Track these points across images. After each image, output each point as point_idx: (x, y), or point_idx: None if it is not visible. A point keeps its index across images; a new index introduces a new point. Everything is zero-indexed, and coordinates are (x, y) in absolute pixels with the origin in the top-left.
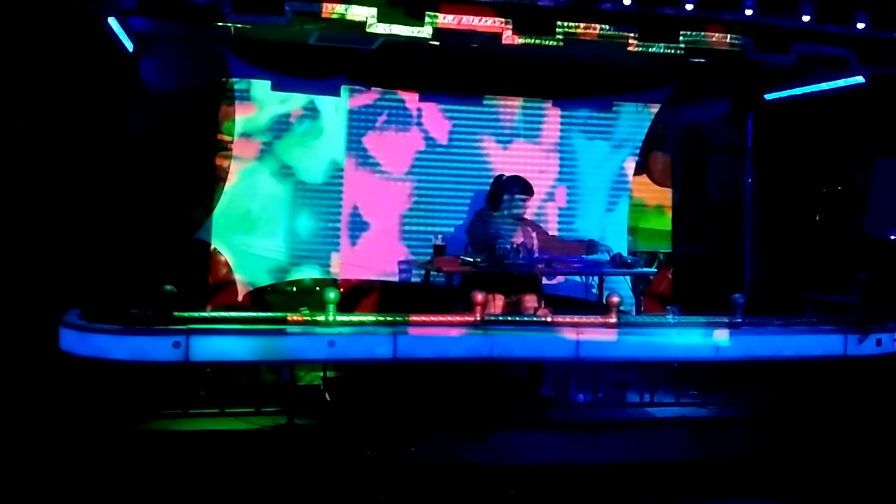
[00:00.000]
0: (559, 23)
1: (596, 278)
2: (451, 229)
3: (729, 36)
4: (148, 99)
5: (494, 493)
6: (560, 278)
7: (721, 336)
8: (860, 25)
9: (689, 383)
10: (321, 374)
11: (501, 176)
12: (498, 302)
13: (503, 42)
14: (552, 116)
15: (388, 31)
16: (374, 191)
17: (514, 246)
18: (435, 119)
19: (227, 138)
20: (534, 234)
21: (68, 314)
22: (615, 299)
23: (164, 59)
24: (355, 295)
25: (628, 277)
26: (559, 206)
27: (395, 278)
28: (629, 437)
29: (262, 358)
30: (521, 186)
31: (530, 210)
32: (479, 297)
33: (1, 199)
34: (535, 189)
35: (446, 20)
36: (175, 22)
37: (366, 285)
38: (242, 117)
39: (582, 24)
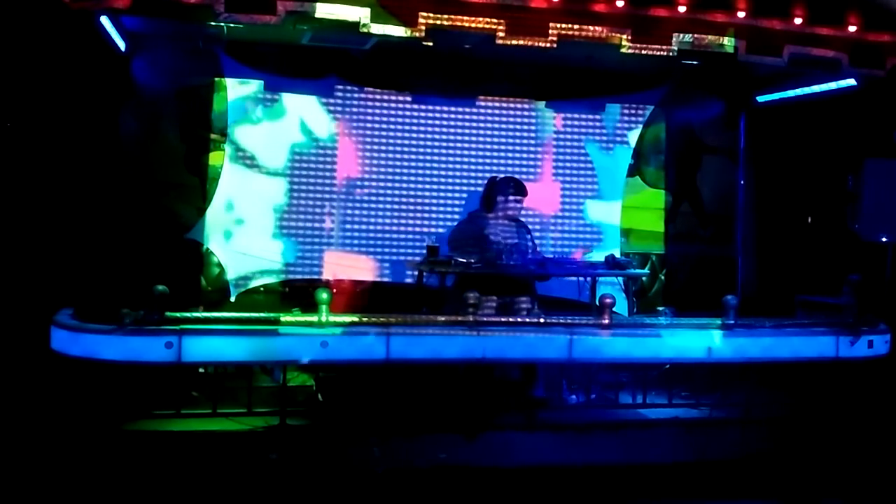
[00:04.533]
0: (552, 24)
1: (589, 279)
2: (444, 230)
3: (721, 38)
4: (140, 98)
5: (487, 495)
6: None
7: (713, 337)
8: (852, 28)
9: (682, 384)
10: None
11: (495, 178)
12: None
13: (496, 43)
14: (545, 118)
15: (381, 32)
16: (367, 191)
17: (508, 247)
18: (428, 120)
19: (219, 138)
20: (528, 236)
21: (60, 314)
22: (608, 300)
23: (156, 58)
24: (348, 295)
25: (621, 279)
26: (552, 208)
27: (388, 279)
28: (621, 438)
29: (254, 358)
30: (515, 187)
31: (524, 212)
32: (472, 297)
33: None
34: (528, 190)
35: (439, 21)
36: (168, 21)
37: (358, 286)
38: (234, 117)
39: (575, 26)
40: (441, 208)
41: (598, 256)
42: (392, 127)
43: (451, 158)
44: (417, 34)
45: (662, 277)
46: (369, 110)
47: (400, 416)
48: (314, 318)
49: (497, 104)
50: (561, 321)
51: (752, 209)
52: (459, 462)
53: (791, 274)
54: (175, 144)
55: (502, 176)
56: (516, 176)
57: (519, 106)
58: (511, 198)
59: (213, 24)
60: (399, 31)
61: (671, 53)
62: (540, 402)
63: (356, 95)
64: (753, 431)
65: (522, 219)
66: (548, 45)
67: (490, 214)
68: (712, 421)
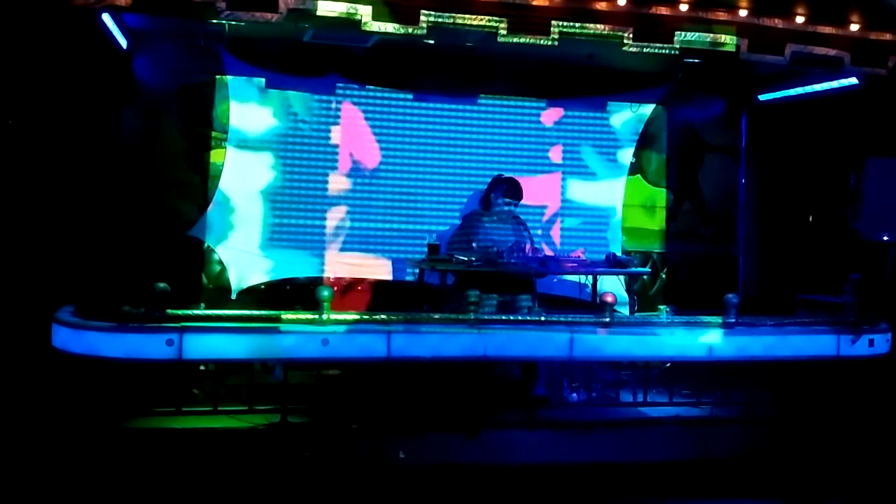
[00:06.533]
0: (554, 22)
1: (590, 277)
2: (446, 227)
3: (723, 36)
4: (141, 96)
5: (488, 493)
6: (554, 277)
7: (714, 336)
8: (854, 27)
9: (683, 383)
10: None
11: (500, 176)
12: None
13: (498, 41)
14: (547, 116)
15: (382, 30)
16: (369, 189)
17: (505, 246)
18: (429, 118)
19: (220, 136)
20: (525, 233)
21: (61, 311)
22: (609, 299)
23: (158, 56)
24: (349, 293)
25: (622, 277)
26: (553, 206)
27: (389, 277)
28: (622, 436)
29: (255, 356)
30: (507, 186)
31: (525, 210)
32: (473, 296)
33: None
34: (528, 188)
35: (441, 19)
36: (169, 19)
37: (359, 284)
38: (235, 115)
39: (577, 24)
40: (442, 206)
41: (598, 255)
42: (393, 125)
43: (452, 156)
44: (419, 32)
45: (663, 276)
46: (370, 108)
47: (401, 415)
48: (315, 316)
49: (498, 102)
50: (562, 319)
51: (753, 208)
52: (460, 460)
53: (792, 273)
54: (176, 142)
55: (506, 175)
56: (517, 174)
57: (520, 104)
58: (501, 198)
59: (214, 21)
60: (400, 28)
61: (673, 52)
62: (541, 400)
63: (357, 93)
64: (754, 430)
65: (521, 216)
66: (549, 43)
67: (486, 214)
68: (713, 419)
